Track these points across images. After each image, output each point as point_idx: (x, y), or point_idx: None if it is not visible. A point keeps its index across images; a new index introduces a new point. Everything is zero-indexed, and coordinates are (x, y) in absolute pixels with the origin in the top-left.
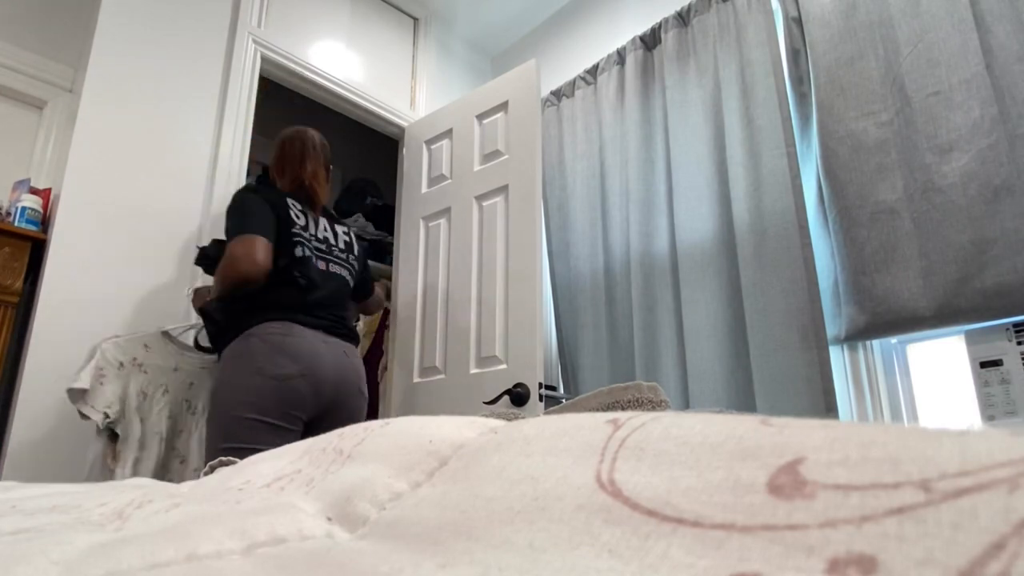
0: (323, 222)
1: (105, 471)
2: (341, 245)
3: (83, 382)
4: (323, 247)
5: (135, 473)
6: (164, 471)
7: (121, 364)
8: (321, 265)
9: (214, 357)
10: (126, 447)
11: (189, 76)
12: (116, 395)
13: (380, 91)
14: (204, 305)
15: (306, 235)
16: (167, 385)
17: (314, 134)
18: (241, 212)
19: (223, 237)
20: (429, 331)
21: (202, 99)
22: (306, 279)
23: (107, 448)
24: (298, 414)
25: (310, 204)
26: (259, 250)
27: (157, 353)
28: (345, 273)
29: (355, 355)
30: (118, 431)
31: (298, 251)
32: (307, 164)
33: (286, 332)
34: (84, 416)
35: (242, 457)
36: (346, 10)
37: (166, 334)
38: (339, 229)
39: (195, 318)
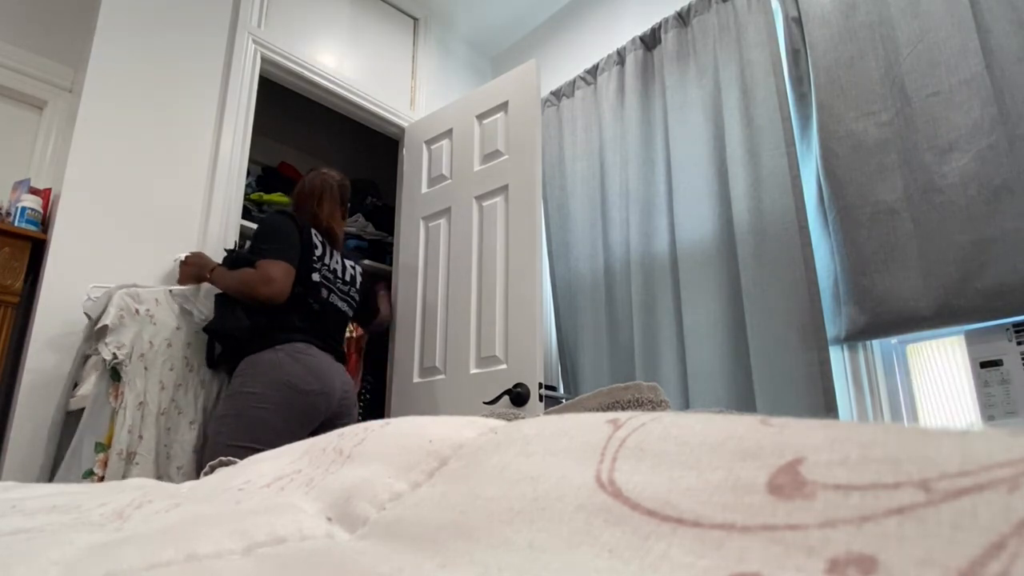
0: (336, 255)
1: (107, 407)
2: (346, 278)
3: (109, 319)
4: (331, 277)
5: (141, 417)
6: (166, 418)
7: (136, 311)
8: (323, 293)
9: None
10: (129, 391)
11: (189, 76)
12: (129, 339)
13: (380, 91)
14: (228, 324)
15: (320, 264)
16: (170, 340)
17: (333, 176)
18: (276, 235)
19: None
20: (429, 331)
21: (202, 99)
22: (318, 304)
23: (111, 387)
24: (311, 424)
25: (328, 239)
26: (286, 277)
27: (164, 309)
28: (344, 305)
29: (348, 375)
30: (121, 373)
31: (315, 276)
32: (324, 205)
33: (311, 353)
34: (92, 354)
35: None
36: (346, 10)
37: (171, 292)
38: (347, 263)
39: (199, 288)
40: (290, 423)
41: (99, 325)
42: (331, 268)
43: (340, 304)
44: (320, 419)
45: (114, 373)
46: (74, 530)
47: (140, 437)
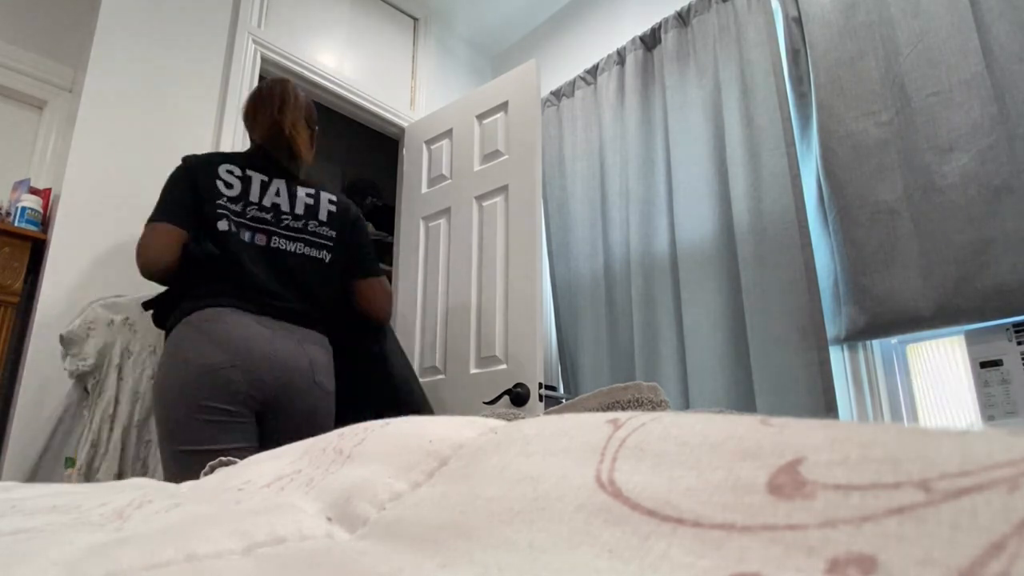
0: (277, 186)
1: (78, 418)
2: (298, 211)
3: (71, 328)
4: (267, 217)
5: (110, 429)
6: (140, 431)
7: (111, 321)
8: (260, 239)
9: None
10: (100, 400)
11: (189, 76)
12: (95, 349)
13: (380, 91)
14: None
15: (235, 207)
16: (155, 346)
17: (295, 87)
18: (163, 194)
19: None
20: (429, 331)
21: (202, 99)
22: (246, 253)
23: (82, 398)
24: (237, 407)
25: (285, 156)
26: (165, 239)
27: (147, 315)
28: (300, 246)
29: (315, 342)
30: (87, 387)
31: (221, 224)
32: (286, 112)
33: (214, 319)
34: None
35: (193, 459)
36: (346, 10)
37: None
38: (302, 192)
39: None
40: (202, 411)
41: (63, 333)
42: (267, 205)
43: (294, 245)
44: (251, 398)
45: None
46: (74, 530)
47: (105, 452)
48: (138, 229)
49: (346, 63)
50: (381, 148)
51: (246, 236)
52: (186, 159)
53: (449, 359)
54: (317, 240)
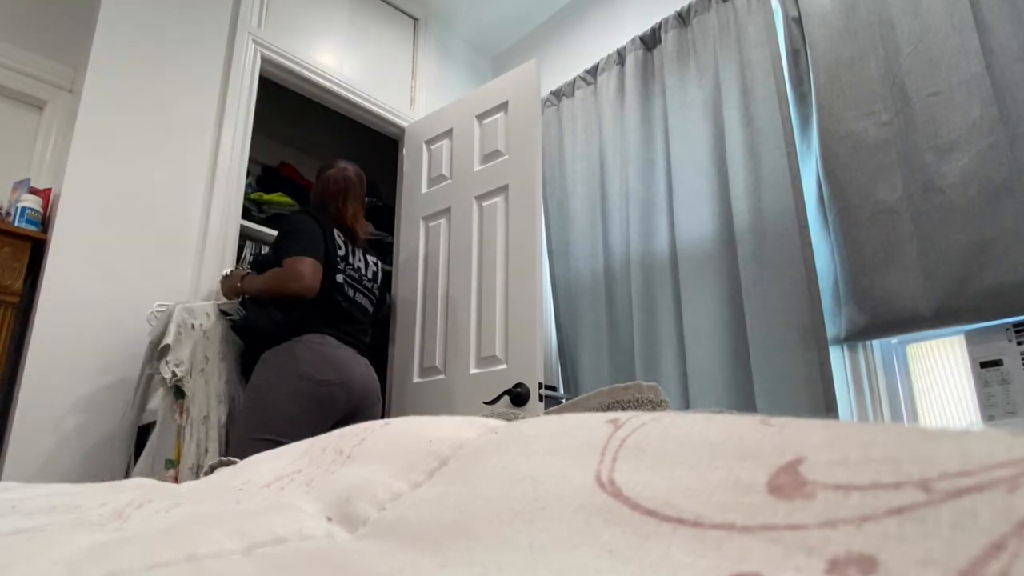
0: (359, 252)
1: (172, 424)
2: (369, 275)
3: (170, 338)
4: (356, 276)
5: (206, 431)
6: (226, 431)
7: (192, 327)
8: (350, 292)
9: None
10: (194, 405)
11: (189, 76)
12: (186, 355)
13: (380, 91)
14: (252, 306)
15: (343, 264)
16: (223, 353)
17: (354, 173)
18: (301, 234)
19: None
20: (429, 331)
21: (202, 99)
22: (347, 302)
23: (174, 404)
24: (331, 416)
25: (350, 238)
26: (315, 272)
27: (214, 323)
28: (367, 302)
29: (372, 368)
30: (185, 389)
31: (338, 278)
32: (348, 205)
33: (328, 344)
34: (155, 373)
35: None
36: (346, 10)
37: (218, 308)
38: (370, 259)
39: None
40: (308, 413)
41: (162, 344)
42: (355, 267)
43: (364, 302)
44: (341, 411)
45: (177, 391)
46: (74, 530)
47: (206, 450)
48: (138, 229)
49: (346, 63)
50: (381, 148)
51: (349, 290)
52: (309, 212)
53: (449, 359)
54: (371, 296)
